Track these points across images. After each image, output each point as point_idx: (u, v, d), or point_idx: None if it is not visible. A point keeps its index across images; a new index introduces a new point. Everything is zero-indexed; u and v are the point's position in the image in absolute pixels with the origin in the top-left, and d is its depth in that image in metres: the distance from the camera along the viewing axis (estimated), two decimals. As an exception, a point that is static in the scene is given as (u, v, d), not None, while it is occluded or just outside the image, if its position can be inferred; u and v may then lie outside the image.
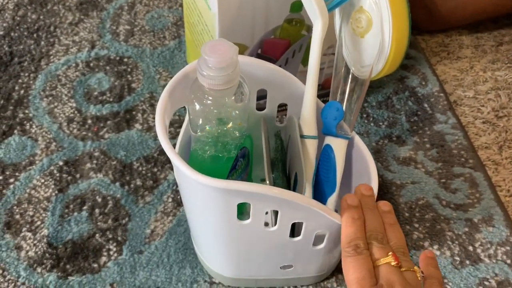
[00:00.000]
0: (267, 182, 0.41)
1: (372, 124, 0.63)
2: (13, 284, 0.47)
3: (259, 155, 0.46)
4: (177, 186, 0.55)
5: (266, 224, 0.40)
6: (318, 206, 0.37)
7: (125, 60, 0.69)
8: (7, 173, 0.56)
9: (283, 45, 0.55)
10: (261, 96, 0.48)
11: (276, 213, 0.38)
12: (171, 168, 0.57)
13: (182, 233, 0.52)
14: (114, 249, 0.50)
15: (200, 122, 0.40)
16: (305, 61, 0.58)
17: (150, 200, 0.54)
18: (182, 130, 0.45)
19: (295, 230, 0.41)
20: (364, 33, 0.42)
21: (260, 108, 0.49)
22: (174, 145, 0.40)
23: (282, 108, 0.52)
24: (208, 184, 0.35)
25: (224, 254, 0.44)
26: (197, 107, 0.39)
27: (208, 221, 0.41)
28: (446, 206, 0.55)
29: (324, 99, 0.61)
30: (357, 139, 0.44)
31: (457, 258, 0.51)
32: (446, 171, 0.59)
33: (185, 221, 0.53)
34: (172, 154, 0.36)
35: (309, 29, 0.54)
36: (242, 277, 0.46)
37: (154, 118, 0.62)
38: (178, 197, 0.54)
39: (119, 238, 0.51)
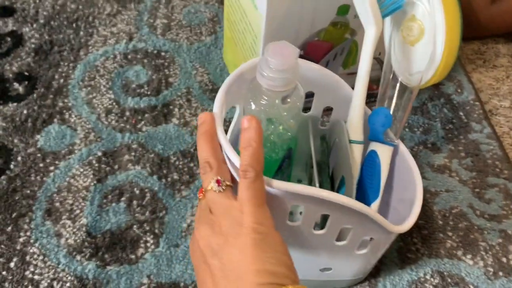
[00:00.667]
0: (317, 185, 0.42)
1: (407, 129, 0.63)
2: (53, 270, 0.48)
3: (299, 155, 0.47)
4: (213, 182, 0.56)
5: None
6: (373, 214, 0.37)
7: (163, 54, 0.69)
8: (48, 160, 0.57)
9: (325, 47, 0.55)
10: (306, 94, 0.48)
11: (323, 216, 0.39)
12: (207, 164, 0.57)
13: (218, 229, 0.52)
14: (151, 241, 0.51)
15: None
16: (345, 64, 0.58)
17: (187, 194, 0.55)
18: (230, 129, 0.46)
19: (338, 235, 0.42)
20: (415, 41, 0.42)
21: (304, 108, 0.50)
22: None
23: (326, 111, 0.52)
24: (270, 185, 0.35)
25: None
26: (253, 107, 0.39)
27: None
28: (480, 216, 0.55)
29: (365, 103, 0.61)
30: (402, 147, 0.44)
31: (490, 269, 0.51)
32: (481, 180, 0.59)
33: (220, 217, 0.53)
34: (232, 155, 0.36)
35: (353, 32, 0.54)
36: None
37: (190, 113, 0.63)
38: (214, 193, 0.55)
39: (156, 231, 0.52)
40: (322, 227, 0.40)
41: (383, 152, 0.43)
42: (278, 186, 0.35)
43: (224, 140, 0.37)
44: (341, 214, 0.38)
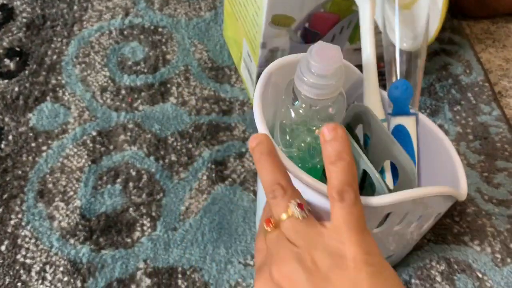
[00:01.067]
0: (384, 182, 0.38)
1: (413, 111, 0.61)
2: (46, 254, 0.47)
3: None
4: (212, 164, 0.54)
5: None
6: (439, 190, 0.36)
7: (160, 30, 0.67)
8: (40, 140, 0.54)
9: (331, 20, 0.52)
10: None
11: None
12: (206, 145, 0.55)
13: (217, 212, 0.50)
14: (148, 224, 0.49)
15: (289, 137, 0.38)
16: (352, 39, 0.55)
17: (185, 176, 0.53)
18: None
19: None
20: (411, 4, 0.41)
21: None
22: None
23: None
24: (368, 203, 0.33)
25: None
26: (293, 115, 0.37)
27: None
28: (488, 201, 0.54)
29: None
30: (421, 116, 0.43)
31: (498, 256, 0.50)
32: (489, 164, 0.57)
33: (219, 200, 0.51)
34: (304, 176, 0.33)
35: None
36: None
37: (189, 92, 0.60)
38: (213, 175, 0.53)
39: (153, 214, 0.50)
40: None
41: (410, 123, 0.43)
42: (377, 202, 0.33)
43: (287, 160, 0.33)
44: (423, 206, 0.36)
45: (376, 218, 0.36)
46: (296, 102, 0.36)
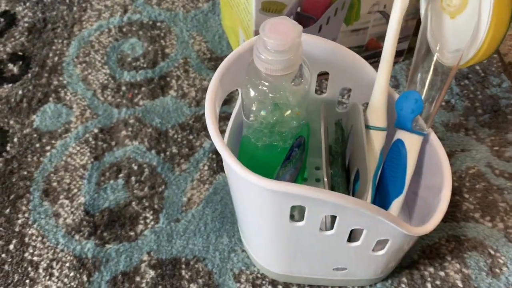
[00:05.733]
0: (325, 179, 0.38)
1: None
2: (52, 250, 0.47)
3: (316, 141, 0.43)
4: (213, 154, 0.54)
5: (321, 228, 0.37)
6: (386, 216, 0.33)
7: (158, 24, 0.67)
8: (44, 140, 0.55)
9: (324, 2, 0.51)
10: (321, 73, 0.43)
11: (333, 216, 0.35)
12: (207, 136, 0.55)
13: (219, 201, 0.50)
14: (151, 217, 0.49)
15: (254, 108, 0.37)
16: (348, 20, 0.54)
17: (186, 168, 0.53)
18: (233, 114, 0.42)
19: (351, 233, 0.38)
20: (456, 13, 0.37)
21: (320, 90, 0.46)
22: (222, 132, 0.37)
23: (345, 92, 0.47)
24: (261, 185, 0.32)
25: (273, 252, 0.42)
26: (252, 92, 0.36)
27: (257, 219, 0.38)
28: (499, 175, 0.52)
29: (370, 62, 0.58)
30: (433, 136, 0.39)
31: (511, 231, 0.48)
32: (500, 138, 0.54)
33: (221, 189, 0.51)
34: (224, 152, 0.33)
35: None
36: (291, 274, 0.44)
37: (188, 84, 0.60)
38: (214, 165, 0.53)
39: (156, 206, 0.50)
40: (332, 226, 0.37)
41: (411, 142, 0.39)
42: (276, 186, 0.32)
43: (220, 141, 0.33)
44: (351, 215, 0.34)
45: (282, 204, 0.34)
46: (256, 80, 0.36)
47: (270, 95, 0.36)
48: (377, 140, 0.40)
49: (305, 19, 0.52)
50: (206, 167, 0.53)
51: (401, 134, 0.40)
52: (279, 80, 0.35)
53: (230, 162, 0.33)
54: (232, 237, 0.48)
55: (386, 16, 0.55)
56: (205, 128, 0.56)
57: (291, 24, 0.33)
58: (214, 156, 0.54)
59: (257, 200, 0.35)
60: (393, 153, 0.40)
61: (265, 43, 0.33)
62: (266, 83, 0.35)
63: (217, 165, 0.53)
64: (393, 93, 0.41)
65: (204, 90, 0.59)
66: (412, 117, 0.39)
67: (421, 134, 0.39)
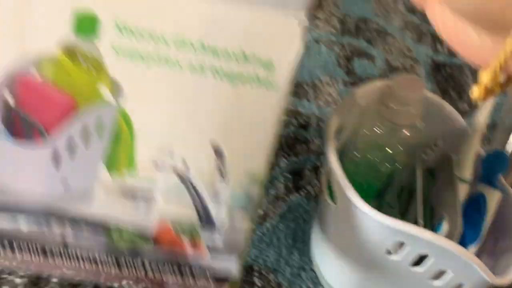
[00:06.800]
0: (421, 222, 0.42)
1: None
2: None
3: (395, 182, 0.47)
4: (289, 173, 0.57)
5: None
6: (477, 262, 0.37)
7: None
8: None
9: (59, 102, 0.27)
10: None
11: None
12: (283, 156, 0.59)
13: (292, 220, 0.54)
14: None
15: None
16: (111, 164, 0.29)
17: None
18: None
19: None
20: None
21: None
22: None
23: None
24: (388, 224, 0.36)
25: (352, 278, 0.45)
26: (367, 132, 0.40)
27: (352, 246, 0.42)
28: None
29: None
30: None
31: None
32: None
33: (294, 208, 0.55)
34: (351, 193, 0.38)
35: (117, 89, 0.28)
36: None
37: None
38: (289, 184, 0.56)
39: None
40: (417, 263, 0.40)
41: (492, 198, 0.42)
42: (381, 219, 0.36)
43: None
44: (441, 257, 0.38)
45: (383, 237, 0.38)
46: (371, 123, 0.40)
47: (383, 138, 0.40)
48: (462, 191, 0.44)
49: (25, 124, 0.29)
50: (281, 185, 0.56)
51: (483, 189, 0.43)
52: (396, 128, 0.40)
53: (357, 203, 0.37)
54: (303, 255, 0.51)
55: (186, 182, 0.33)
56: (283, 149, 0.59)
57: (418, 81, 0.38)
58: (289, 175, 0.57)
59: (366, 232, 0.39)
60: (473, 205, 0.44)
61: (396, 94, 0.38)
62: (382, 128, 0.40)
63: (293, 185, 0.56)
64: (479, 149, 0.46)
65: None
66: (498, 177, 0.43)
67: (503, 191, 0.43)
